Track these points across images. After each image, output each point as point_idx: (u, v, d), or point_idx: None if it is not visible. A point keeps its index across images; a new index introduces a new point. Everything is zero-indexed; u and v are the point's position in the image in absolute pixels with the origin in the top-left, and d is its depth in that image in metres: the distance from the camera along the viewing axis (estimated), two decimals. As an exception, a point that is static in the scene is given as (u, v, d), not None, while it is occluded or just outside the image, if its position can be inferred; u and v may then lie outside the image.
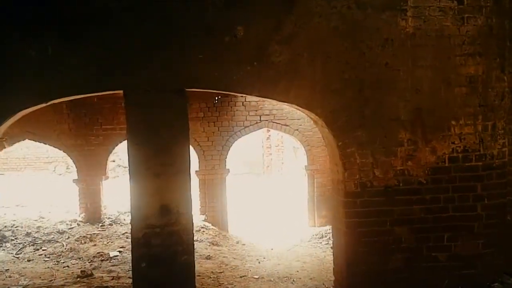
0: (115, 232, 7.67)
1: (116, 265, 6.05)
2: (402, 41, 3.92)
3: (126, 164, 4.10)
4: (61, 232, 7.62)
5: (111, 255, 6.49)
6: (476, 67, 4.02)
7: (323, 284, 5.25)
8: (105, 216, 8.34)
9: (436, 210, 4.06)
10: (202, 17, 3.79)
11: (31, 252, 6.82)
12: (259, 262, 6.49)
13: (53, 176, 15.02)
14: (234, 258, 6.64)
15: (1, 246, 7.02)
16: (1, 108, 3.79)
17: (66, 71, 3.76)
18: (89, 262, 6.24)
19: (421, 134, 4.01)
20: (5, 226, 7.77)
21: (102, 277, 5.45)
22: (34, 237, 7.39)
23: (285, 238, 8.29)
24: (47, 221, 8.21)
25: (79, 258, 6.44)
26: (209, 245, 7.13)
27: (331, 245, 5.34)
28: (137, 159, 3.86)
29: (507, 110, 4.18)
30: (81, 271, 5.57)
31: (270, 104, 8.37)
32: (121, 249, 6.75)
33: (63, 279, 5.41)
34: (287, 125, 8.52)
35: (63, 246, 6.99)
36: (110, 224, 8.09)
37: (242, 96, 8.18)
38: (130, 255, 4.07)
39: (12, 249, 6.92)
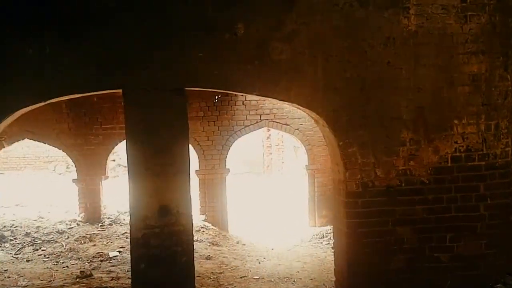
0: (114, 232, 7.63)
1: (116, 266, 6.01)
2: (404, 40, 3.88)
3: (126, 163, 4.07)
4: (61, 232, 7.58)
5: (110, 255, 6.45)
6: (479, 65, 3.98)
7: (324, 284, 5.21)
8: (105, 216, 8.30)
9: (438, 210, 4.02)
10: (201, 15, 3.75)
11: (30, 252, 6.78)
12: (259, 263, 6.45)
13: (53, 176, 14.99)
14: (234, 258, 6.60)
15: (0, 246, 6.99)
16: (0, 107, 3.75)
17: (64, 70, 3.74)
18: (88, 263, 6.20)
19: (424, 133, 3.97)
20: (4, 226, 7.74)
21: (101, 277, 5.41)
22: (34, 237, 7.35)
23: (285, 238, 8.25)
24: (46, 221, 8.17)
25: (79, 258, 6.40)
26: (209, 245, 7.09)
27: (332, 245, 5.30)
28: (136, 159, 3.83)
29: (510, 109, 4.14)
30: (81, 271, 5.53)
31: (270, 103, 8.33)
32: (120, 249, 6.71)
33: (62, 280, 5.38)
34: (287, 125, 8.47)
35: (63, 246, 6.95)
36: (109, 224, 8.05)
37: (242, 95, 8.14)
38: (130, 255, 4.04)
39: (11, 249, 6.88)
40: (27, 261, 6.36)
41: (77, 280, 5.31)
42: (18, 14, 3.67)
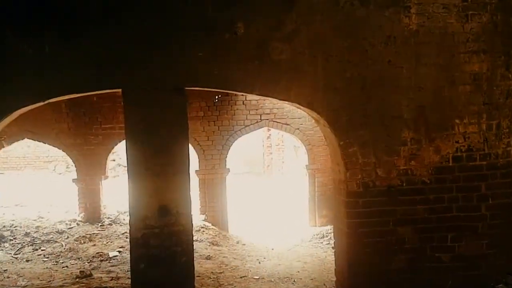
0: (114, 232, 7.62)
1: (116, 265, 5.99)
2: (405, 39, 3.86)
3: (126, 163, 4.05)
4: (60, 232, 7.57)
5: (110, 255, 6.43)
6: (481, 64, 3.97)
7: (324, 284, 5.19)
8: (105, 216, 8.28)
9: (439, 210, 4.01)
10: (201, 15, 3.74)
11: (30, 252, 6.76)
12: (259, 262, 6.43)
13: (53, 176, 14.98)
14: (234, 258, 6.59)
15: (-1, 246, 6.98)
16: (-1, 106, 3.75)
17: (64, 69, 3.72)
18: (88, 262, 6.18)
19: (425, 133, 3.95)
20: (4, 226, 7.72)
21: (101, 277, 5.39)
22: (33, 237, 7.33)
23: (285, 238, 8.23)
24: (46, 221, 8.16)
25: (78, 258, 6.38)
26: (209, 245, 7.07)
27: (332, 245, 5.28)
28: (136, 159, 3.81)
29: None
30: (80, 271, 5.51)
31: (270, 103, 8.32)
32: (120, 249, 6.70)
33: (61, 280, 5.36)
34: (287, 124, 8.45)
35: (62, 246, 6.93)
36: (109, 224, 8.03)
37: (242, 95, 8.13)
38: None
39: (11, 249, 6.86)
40: (27, 261, 6.34)
41: (77, 280, 5.29)
42: (17, 14, 3.66)
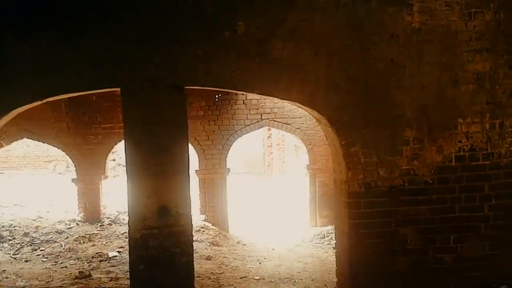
0: (114, 232, 7.58)
1: (115, 266, 5.96)
2: (408, 37, 3.82)
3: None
4: (60, 232, 7.54)
5: (110, 256, 6.40)
6: (484, 63, 3.92)
7: (325, 285, 5.16)
8: (104, 216, 8.25)
9: (442, 211, 3.96)
10: (201, 13, 3.69)
11: (29, 252, 6.73)
12: (260, 263, 6.39)
13: (53, 175, 14.96)
14: (235, 259, 6.55)
15: (-2, 246, 6.95)
16: (-2, 105, 3.71)
17: (63, 69, 3.68)
18: (87, 263, 6.15)
19: (427, 132, 3.90)
20: (3, 226, 7.70)
21: (100, 278, 5.36)
22: (32, 237, 7.30)
23: (286, 238, 8.20)
24: (45, 221, 8.14)
25: (78, 259, 6.35)
26: (209, 245, 7.04)
27: (333, 246, 5.24)
28: (135, 159, 3.77)
29: (515, 108, 4.07)
30: (79, 271, 5.48)
31: (271, 103, 8.28)
32: (120, 249, 6.66)
33: (60, 280, 5.32)
34: (288, 124, 8.42)
35: (62, 246, 6.90)
36: (109, 224, 8.00)
37: (242, 94, 8.09)
38: (128, 256, 3.98)
39: (10, 250, 6.83)
40: (26, 261, 6.31)
41: (76, 280, 5.25)
42: (17, 14, 3.62)
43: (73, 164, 8.39)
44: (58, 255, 6.51)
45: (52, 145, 8.27)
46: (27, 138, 8.16)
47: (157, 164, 3.76)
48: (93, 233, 7.45)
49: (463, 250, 4.00)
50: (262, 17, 3.72)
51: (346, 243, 3.97)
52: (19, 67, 3.67)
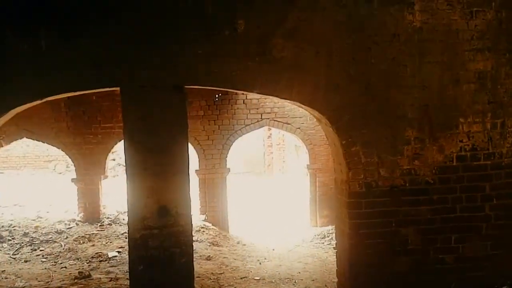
0: (114, 232, 7.57)
1: (115, 266, 5.94)
2: (409, 36, 3.79)
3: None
4: (59, 232, 7.52)
5: (109, 256, 6.38)
6: (485, 62, 3.90)
7: (326, 286, 5.14)
8: (104, 216, 8.23)
9: (443, 211, 3.94)
10: (201, 11, 3.67)
11: (28, 252, 6.71)
12: (260, 263, 6.38)
13: (53, 175, 14.94)
14: (235, 259, 6.53)
15: (-2, 247, 6.93)
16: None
17: (61, 68, 3.66)
18: (87, 263, 6.13)
19: (429, 132, 3.88)
20: (2, 226, 7.68)
21: (100, 278, 5.34)
22: (32, 237, 7.28)
23: (286, 238, 8.18)
24: (45, 221, 8.12)
25: (77, 259, 6.33)
26: (209, 246, 7.02)
27: (333, 246, 5.22)
28: (135, 159, 3.75)
29: (516, 107, 4.05)
30: (79, 272, 5.46)
31: (271, 102, 8.26)
32: (120, 250, 6.64)
33: (60, 281, 5.30)
34: (288, 124, 8.40)
35: (61, 246, 6.88)
36: (109, 224, 7.98)
37: (243, 94, 8.07)
38: (128, 256, 3.96)
39: (9, 250, 6.81)
40: (25, 261, 6.29)
41: (75, 281, 5.23)
42: (17, 14, 3.60)
43: (73, 164, 8.38)
44: (58, 255, 6.49)
45: (52, 145, 8.25)
46: (26, 137, 8.15)
47: (157, 164, 3.74)
48: (93, 233, 7.43)
49: (464, 250, 3.98)
50: (262, 17, 3.70)
51: (347, 243, 3.95)
52: (19, 67, 3.65)
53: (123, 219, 8.04)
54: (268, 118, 8.35)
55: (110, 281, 5.21)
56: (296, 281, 5.41)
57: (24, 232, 7.43)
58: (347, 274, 4.00)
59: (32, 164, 15.70)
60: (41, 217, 8.35)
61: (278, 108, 8.28)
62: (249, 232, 8.70)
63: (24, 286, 5.12)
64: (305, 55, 3.75)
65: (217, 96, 8.13)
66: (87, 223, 7.97)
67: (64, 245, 6.92)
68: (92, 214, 8.09)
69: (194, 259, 4.01)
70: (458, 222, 3.96)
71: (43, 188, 12.20)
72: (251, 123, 8.33)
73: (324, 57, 3.76)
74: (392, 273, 3.93)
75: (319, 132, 8.10)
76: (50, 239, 7.22)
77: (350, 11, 3.74)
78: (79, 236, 7.30)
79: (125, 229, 7.40)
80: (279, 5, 3.71)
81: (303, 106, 3.96)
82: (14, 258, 6.42)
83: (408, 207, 3.91)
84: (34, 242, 7.07)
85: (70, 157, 8.27)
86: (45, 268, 5.91)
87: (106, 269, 5.77)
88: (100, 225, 7.89)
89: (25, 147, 15.24)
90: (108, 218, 8.21)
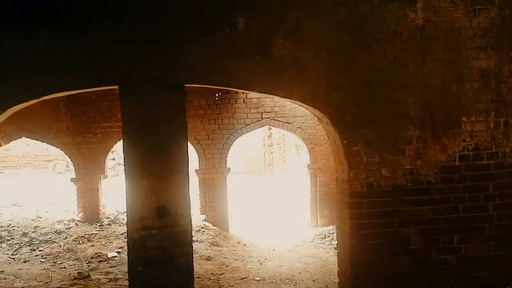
0: (113, 232, 7.53)
1: (114, 266, 5.91)
2: (411, 34, 3.75)
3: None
4: (59, 232, 7.48)
5: (109, 256, 6.35)
6: (488, 60, 3.86)
7: (327, 286, 5.10)
8: (104, 216, 8.20)
9: (446, 211, 3.90)
10: (201, 9, 3.63)
11: (27, 252, 6.68)
12: (260, 263, 6.34)
13: (53, 175, 14.90)
14: (235, 259, 6.49)
15: (-3, 247, 6.89)
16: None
17: (61, 67, 3.63)
18: (86, 263, 6.09)
19: (431, 131, 3.84)
20: (1, 226, 7.65)
21: (99, 279, 5.30)
22: (31, 237, 7.24)
23: (287, 238, 8.15)
24: (44, 221, 8.08)
25: (77, 259, 6.30)
26: (209, 246, 6.98)
27: (334, 246, 5.18)
28: (133, 158, 3.71)
29: (520, 106, 4.01)
30: (78, 272, 5.43)
31: (272, 101, 8.22)
32: (119, 250, 6.61)
33: (59, 281, 5.27)
34: (289, 123, 8.36)
35: (61, 246, 6.84)
36: (108, 224, 7.94)
37: (243, 93, 8.03)
38: (127, 257, 3.92)
39: (8, 250, 6.77)
40: (24, 261, 6.26)
41: (75, 281, 5.20)
42: (17, 13, 3.57)
43: (72, 164, 8.34)
44: (57, 256, 6.46)
45: (51, 145, 8.22)
46: (26, 137, 8.12)
47: (156, 163, 3.70)
48: (92, 233, 7.40)
49: (467, 250, 3.94)
50: (262, 16, 3.66)
51: (348, 243, 3.91)
52: (18, 66, 3.63)
53: (123, 219, 8.01)
54: (269, 118, 8.31)
55: (109, 281, 5.17)
56: (297, 281, 5.37)
57: (23, 232, 7.39)
58: (348, 275, 3.97)
59: (32, 163, 15.65)
60: (40, 217, 8.32)
61: (278, 107, 8.24)
62: (249, 232, 8.66)
63: (23, 287, 5.09)
64: (305, 54, 3.71)
65: (217, 95, 8.09)
66: (86, 223, 7.93)
67: (63, 245, 6.89)
68: (91, 214, 8.05)
69: (194, 260, 3.98)
70: (461, 222, 3.92)
71: (43, 187, 12.16)
72: (252, 123, 8.29)
73: (325, 56, 3.73)
74: (394, 273, 3.89)
75: (319, 132, 8.06)
76: (49, 239, 7.19)
77: (350, 9, 3.70)
78: (78, 236, 7.27)
79: (124, 229, 7.33)
80: (279, 5, 3.67)
81: (304, 105, 3.92)
82: (13, 258, 6.39)
83: (410, 207, 3.87)
84: (33, 242, 7.04)
85: (69, 157, 8.23)
86: (44, 269, 5.88)
87: (105, 270, 5.74)
88: (99, 225, 7.85)
89: (25, 147, 15.20)
90: (107, 218, 8.17)
